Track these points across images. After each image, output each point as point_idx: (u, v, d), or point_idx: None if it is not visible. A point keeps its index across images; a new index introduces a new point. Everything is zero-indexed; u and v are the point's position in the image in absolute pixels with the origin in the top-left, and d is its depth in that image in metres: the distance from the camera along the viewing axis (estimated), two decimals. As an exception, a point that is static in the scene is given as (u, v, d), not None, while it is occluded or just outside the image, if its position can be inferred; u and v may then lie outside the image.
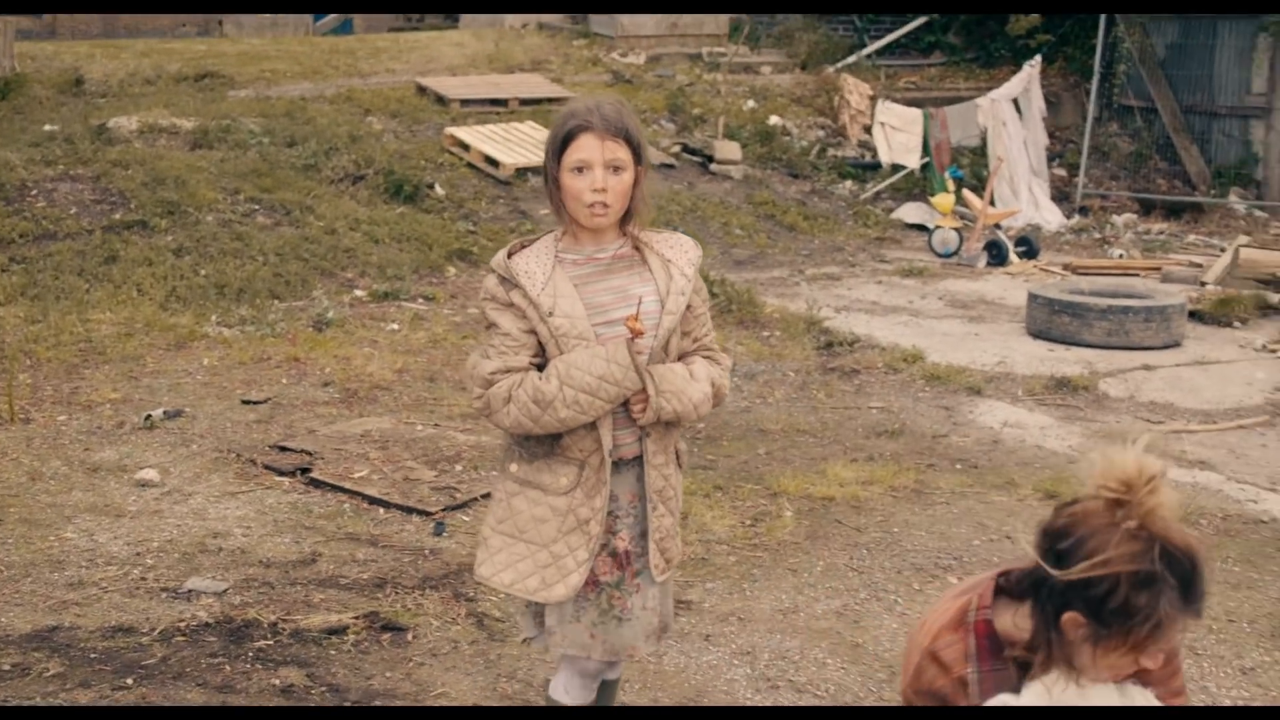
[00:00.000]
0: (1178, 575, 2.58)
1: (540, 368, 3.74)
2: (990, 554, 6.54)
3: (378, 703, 4.92)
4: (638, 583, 3.86)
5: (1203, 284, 12.97)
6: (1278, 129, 18.33)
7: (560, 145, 3.71)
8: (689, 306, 3.84)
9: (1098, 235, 16.93)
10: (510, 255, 3.78)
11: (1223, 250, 14.19)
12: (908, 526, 6.90)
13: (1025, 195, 17.21)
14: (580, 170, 3.68)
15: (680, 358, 3.87)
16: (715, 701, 5.06)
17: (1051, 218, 17.28)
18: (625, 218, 3.80)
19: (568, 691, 4.04)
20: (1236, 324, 11.96)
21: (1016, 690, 2.78)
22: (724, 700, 5.07)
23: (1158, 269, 14.46)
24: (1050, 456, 8.14)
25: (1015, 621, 2.79)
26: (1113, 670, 2.69)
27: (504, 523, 3.87)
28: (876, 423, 8.70)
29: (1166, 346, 10.98)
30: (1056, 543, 2.68)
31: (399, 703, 4.93)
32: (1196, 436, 8.72)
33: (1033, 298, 11.49)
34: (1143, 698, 2.80)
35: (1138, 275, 14.09)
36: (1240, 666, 5.46)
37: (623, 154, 3.70)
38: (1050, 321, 11.18)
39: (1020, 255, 14.90)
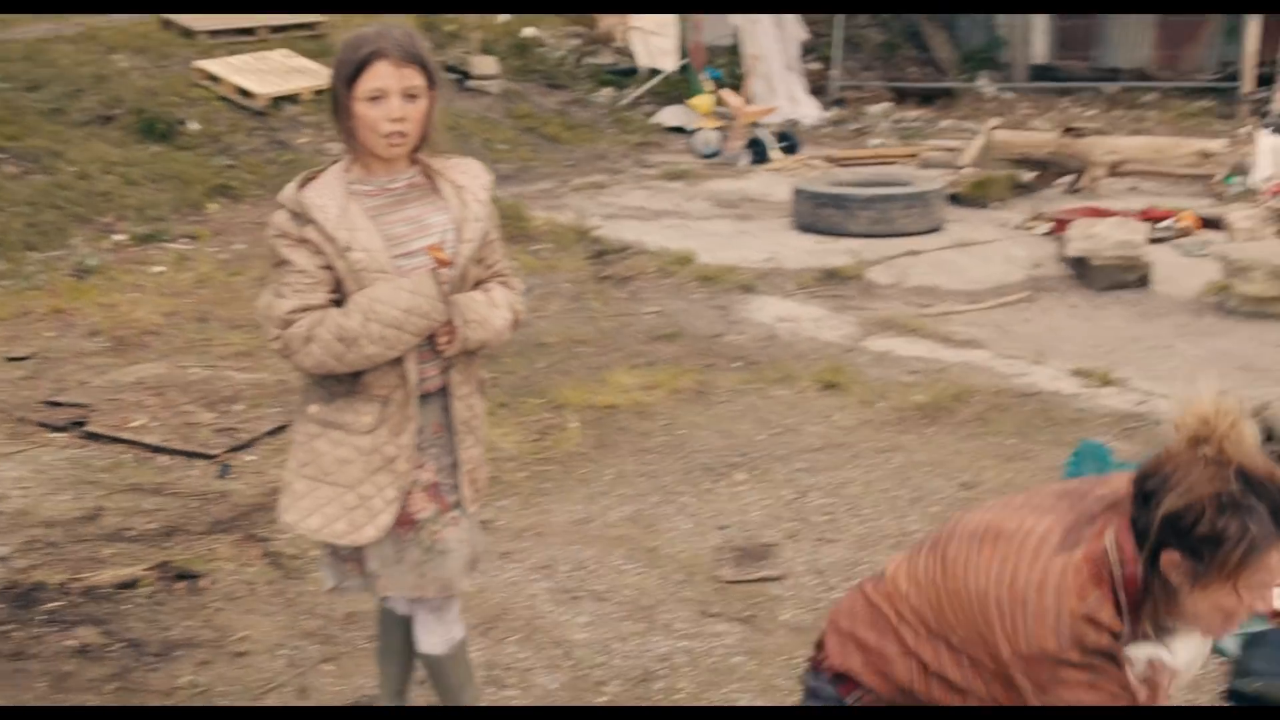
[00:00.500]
0: (1265, 500, 2.64)
1: (337, 304, 3.61)
2: (775, 448, 6.69)
3: (178, 653, 4.86)
4: (454, 515, 3.82)
5: (959, 168, 13.31)
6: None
7: (353, 73, 3.54)
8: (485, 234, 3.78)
9: (855, 126, 17.26)
10: (300, 188, 3.68)
11: (975, 134, 14.56)
12: (693, 428, 7.01)
13: (782, 91, 17.43)
14: (375, 99, 3.53)
15: (476, 285, 3.81)
16: (518, 616, 5.10)
17: (809, 112, 17.54)
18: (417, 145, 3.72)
19: (432, 632, 3.92)
20: (993, 204, 12.33)
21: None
22: (526, 615, 5.11)
23: (915, 156, 14.80)
24: (826, 347, 8.33)
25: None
26: (1221, 613, 2.73)
27: (307, 466, 3.74)
28: (653, 327, 8.80)
29: (929, 231, 11.27)
30: (1145, 484, 2.75)
31: (200, 651, 4.87)
32: (964, 316, 8.99)
33: (797, 192, 11.68)
34: None
35: (896, 163, 14.40)
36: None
37: (418, 80, 3.56)
38: (816, 215, 11.38)
39: (782, 151, 15.11)
